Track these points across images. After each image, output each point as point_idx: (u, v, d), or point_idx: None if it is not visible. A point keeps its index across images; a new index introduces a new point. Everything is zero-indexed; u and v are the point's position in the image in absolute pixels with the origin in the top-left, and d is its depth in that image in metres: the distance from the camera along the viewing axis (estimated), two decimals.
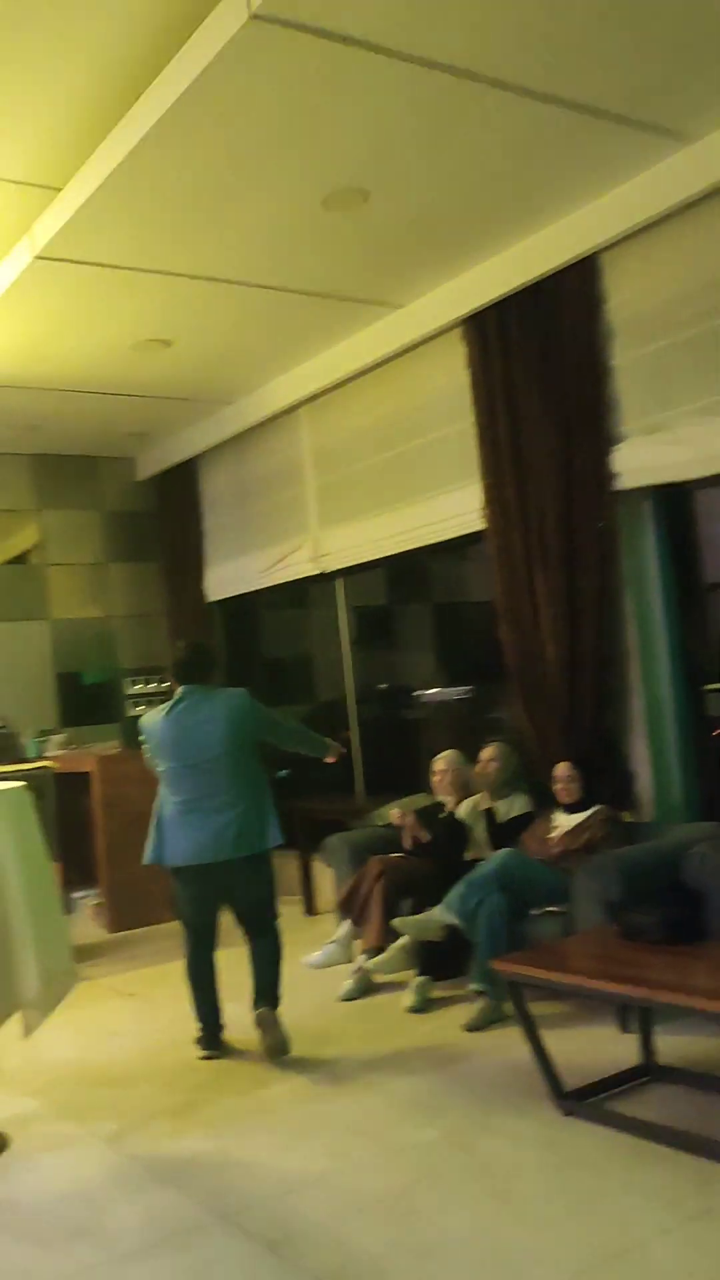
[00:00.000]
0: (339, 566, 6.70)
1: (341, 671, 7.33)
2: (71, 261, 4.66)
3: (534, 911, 4.16)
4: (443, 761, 5.17)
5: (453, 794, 5.11)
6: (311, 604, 9.18)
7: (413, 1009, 4.35)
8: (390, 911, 4.68)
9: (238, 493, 7.53)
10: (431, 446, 5.93)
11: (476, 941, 4.14)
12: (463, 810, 4.88)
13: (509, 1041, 3.71)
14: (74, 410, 6.91)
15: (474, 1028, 4.04)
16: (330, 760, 4.48)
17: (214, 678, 4.22)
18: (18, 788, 3.49)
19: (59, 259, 4.62)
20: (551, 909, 4.14)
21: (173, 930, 6.42)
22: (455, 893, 4.23)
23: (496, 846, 4.62)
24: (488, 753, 4.93)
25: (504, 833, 4.68)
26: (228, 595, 7.76)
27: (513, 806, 4.79)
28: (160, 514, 8.19)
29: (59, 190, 4.32)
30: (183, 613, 7.99)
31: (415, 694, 9.35)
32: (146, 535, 8.23)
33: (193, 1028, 4.26)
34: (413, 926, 4.31)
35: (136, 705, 8.07)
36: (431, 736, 8.13)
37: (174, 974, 5.40)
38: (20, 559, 7.92)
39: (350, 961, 4.82)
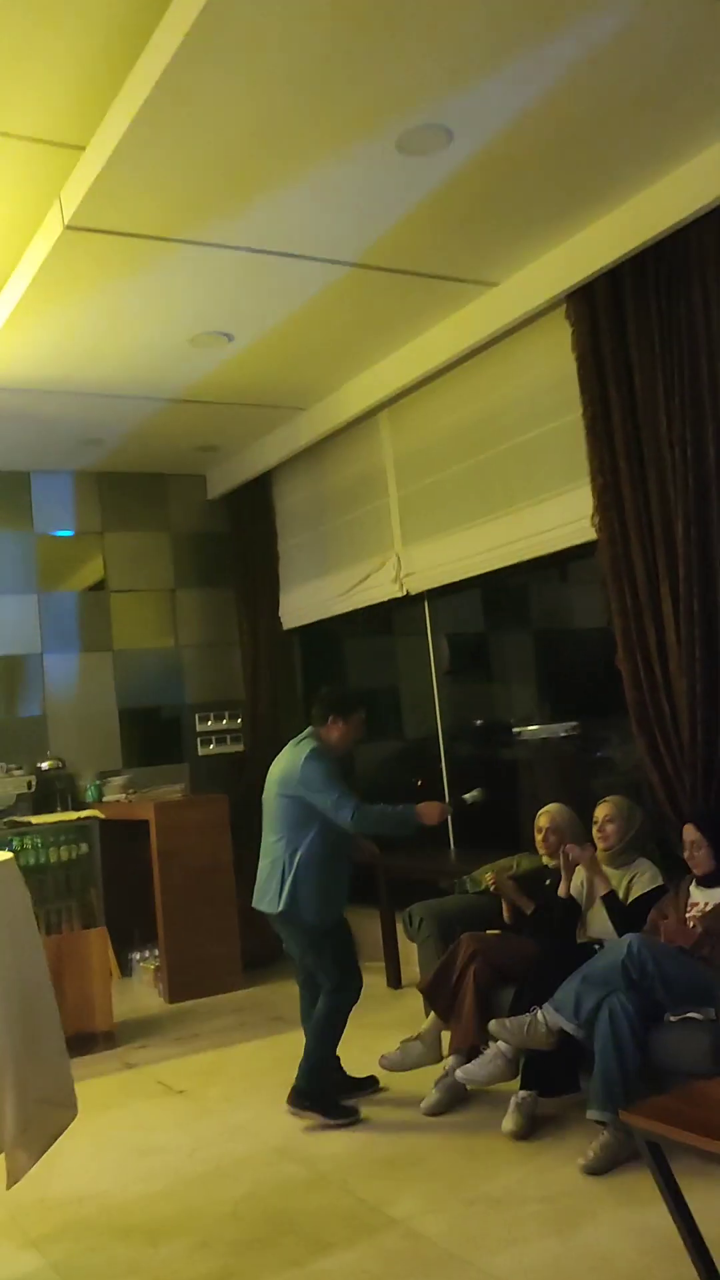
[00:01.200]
0: (425, 587, 5.92)
1: (431, 705, 6.48)
2: (105, 232, 3.99)
3: (671, 1017, 3.26)
4: (547, 817, 4.30)
5: (554, 852, 4.23)
6: (398, 631, 8.39)
7: (514, 1134, 3.48)
8: (485, 1005, 3.82)
9: (314, 509, 6.80)
10: (530, 446, 5.11)
11: (596, 1053, 3.27)
12: (575, 883, 3.99)
13: (643, 1191, 2.81)
14: (137, 419, 6.27)
15: (594, 1170, 3.16)
16: (429, 821, 3.89)
17: (324, 722, 4.14)
18: (4, 861, 2.75)
19: (91, 229, 3.94)
20: (693, 1014, 3.23)
21: (239, 1004, 5.89)
22: (569, 990, 3.36)
23: (620, 929, 3.73)
24: (604, 810, 4.04)
25: (630, 913, 3.78)
26: (306, 622, 7.01)
27: (638, 879, 3.89)
28: (233, 535, 7.51)
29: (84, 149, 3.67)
30: (258, 642, 7.28)
31: (515, 730, 8.48)
32: (218, 558, 7.55)
33: (243, 1146, 3.49)
34: (514, 1032, 3.44)
35: (206, 743, 7.37)
36: (534, 781, 7.25)
37: (235, 1062, 4.67)
38: (97, 587, 7.30)
39: (437, 1062, 3.96)
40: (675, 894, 3.68)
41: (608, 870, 3.95)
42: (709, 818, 3.65)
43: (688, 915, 3.53)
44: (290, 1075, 4.13)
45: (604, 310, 4.44)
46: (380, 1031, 4.39)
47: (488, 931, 4.12)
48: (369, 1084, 4.08)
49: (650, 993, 3.27)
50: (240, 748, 7.42)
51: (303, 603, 6.95)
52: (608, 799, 4.07)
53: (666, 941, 3.44)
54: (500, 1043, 3.58)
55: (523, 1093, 3.55)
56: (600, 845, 3.98)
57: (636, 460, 4.33)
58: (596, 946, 3.73)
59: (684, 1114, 2.30)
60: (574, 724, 8.75)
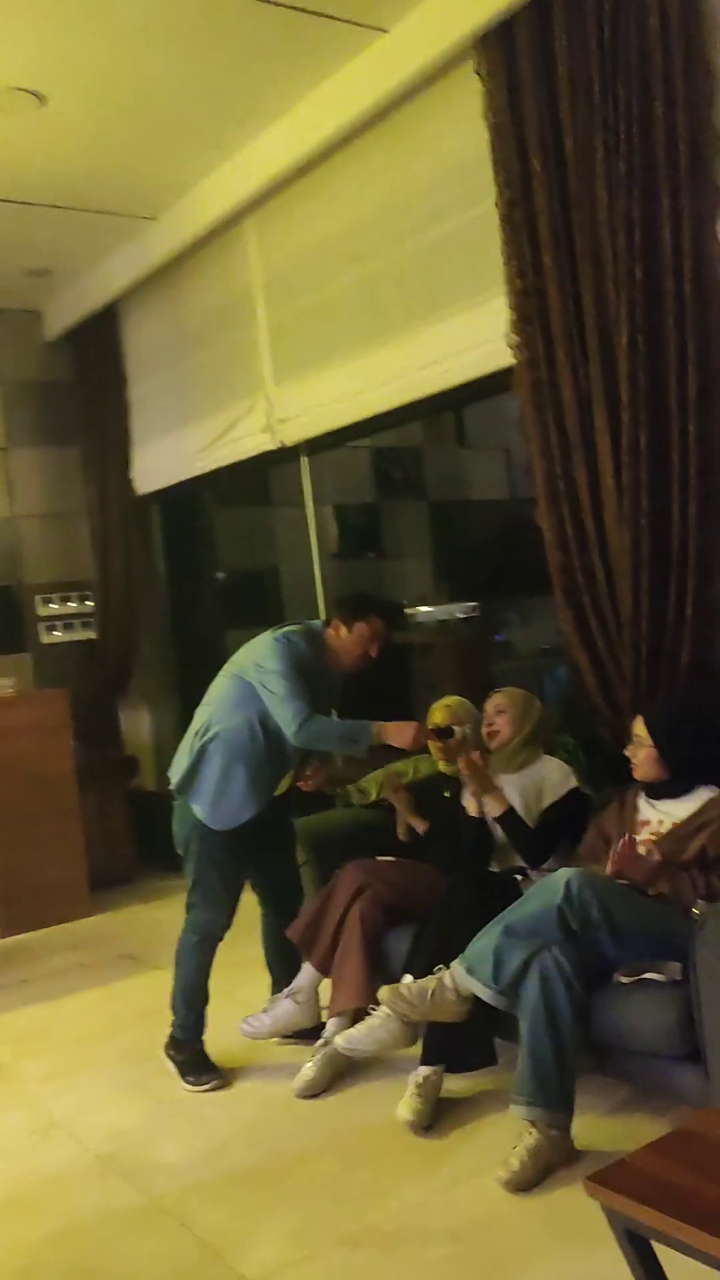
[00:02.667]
0: (303, 436, 4.88)
1: (334, 581, 5.52)
2: None
3: (622, 978, 2.44)
4: (443, 713, 3.41)
5: (453, 758, 3.37)
6: (278, 500, 7.35)
7: (413, 1124, 2.67)
8: (375, 954, 2.98)
9: (171, 346, 5.65)
10: (430, 250, 4.07)
11: (522, 1028, 2.44)
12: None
13: (588, 1220, 2.00)
14: None
15: (521, 1185, 2.36)
16: (399, 743, 3.05)
17: (329, 622, 3.27)
18: None
19: None
20: (651, 974, 2.42)
21: (83, 937, 4.93)
22: (486, 944, 2.51)
23: (531, 856, 2.90)
24: (494, 701, 3.24)
25: (541, 833, 2.95)
26: (164, 485, 5.92)
27: (546, 785, 3.05)
28: (76, 382, 6.31)
29: None
30: (108, 511, 6.16)
31: (408, 612, 7.59)
32: (59, 411, 6.34)
33: (58, 1154, 2.62)
34: (413, 1003, 2.58)
35: (51, 630, 6.30)
36: (430, 669, 6.39)
37: (68, 1020, 3.77)
38: None
39: (314, 1026, 3.12)
40: (620, 809, 2.85)
41: (503, 777, 3.09)
42: (664, 715, 2.80)
43: (638, 839, 2.69)
44: (139, 1033, 3.32)
45: (526, 55, 3.38)
46: (249, 986, 3.53)
47: (379, 858, 3.25)
48: (206, 1072, 3.18)
49: (594, 945, 2.44)
50: (93, 634, 6.36)
51: (159, 461, 5.84)
52: (499, 689, 3.21)
53: (614, 875, 2.60)
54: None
55: (424, 1069, 2.73)
56: (492, 744, 3.12)
57: (566, 254, 3.35)
58: (518, 877, 2.89)
59: (679, 1188, 1.45)
60: (473, 605, 7.93)
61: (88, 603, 6.36)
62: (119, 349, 5.99)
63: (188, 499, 6.27)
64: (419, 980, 2.60)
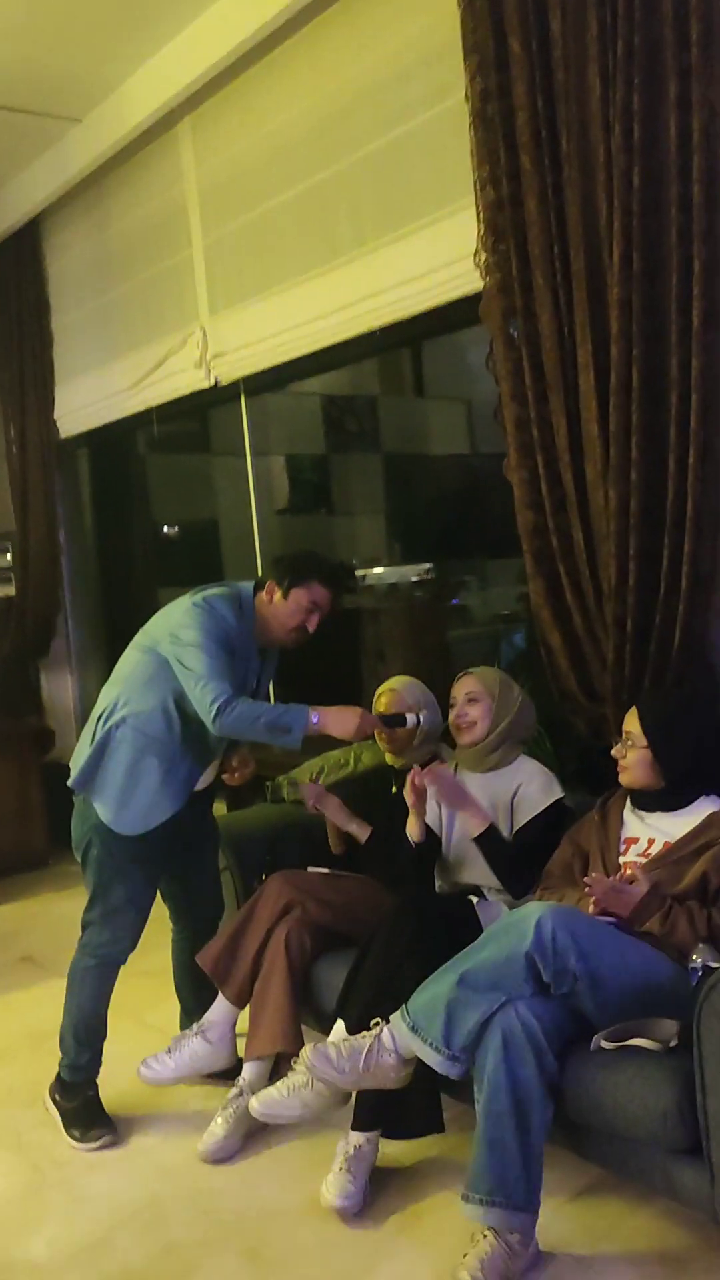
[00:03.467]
0: (240, 373, 4.31)
1: (281, 538, 4.98)
2: None
3: (605, 1043, 1.96)
4: (390, 697, 2.90)
5: (409, 753, 2.87)
6: (218, 449, 6.77)
7: (341, 1209, 2.19)
8: (302, 984, 2.49)
9: (98, 269, 5.03)
10: (388, 156, 3.51)
11: (479, 1106, 1.96)
12: (430, 815, 2.64)
13: None
14: None
15: None
16: (342, 733, 2.53)
17: (263, 585, 2.72)
18: None
19: None
20: (640, 1041, 1.94)
21: None
22: (435, 995, 2.02)
23: (510, 880, 2.42)
24: (466, 685, 2.69)
25: (521, 855, 2.46)
26: (90, 427, 5.32)
27: (524, 794, 2.56)
28: None
29: None
30: (27, 454, 5.55)
31: (358, 574, 7.06)
32: None
33: None
34: (344, 1069, 2.08)
35: None
36: (380, 637, 5.90)
37: None
38: None
39: (227, 1069, 2.63)
40: (601, 821, 2.37)
41: (469, 777, 2.60)
42: (662, 710, 2.31)
43: (623, 860, 2.22)
44: (26, 1065, 2.96)
45: None
46: (159, 988, 3.03)
47: (311, 869, 2.75)
48: (96, 1125, 2.65)
49: (570, 1001, 1.97)
50: (10, 591, 5.77)
51: (85, 400, 5.23)
52: (471, 671, 2.70)
53: (597, 909, 2.12)
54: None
55: (356, 1136, 2.26)
56: (462, 739, 2.62)
57: (549, 156, 2.81)
58: (473, 899, 2.41)
59: None
60: (428, 567, 7.43)
61: (5, 556, 5.76)
62: (41, 274, 5.36)
63: (119, 443, 5.68)
64: (350, 1039, 2.11)
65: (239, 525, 6.73)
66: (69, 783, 2.63)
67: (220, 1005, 2.61)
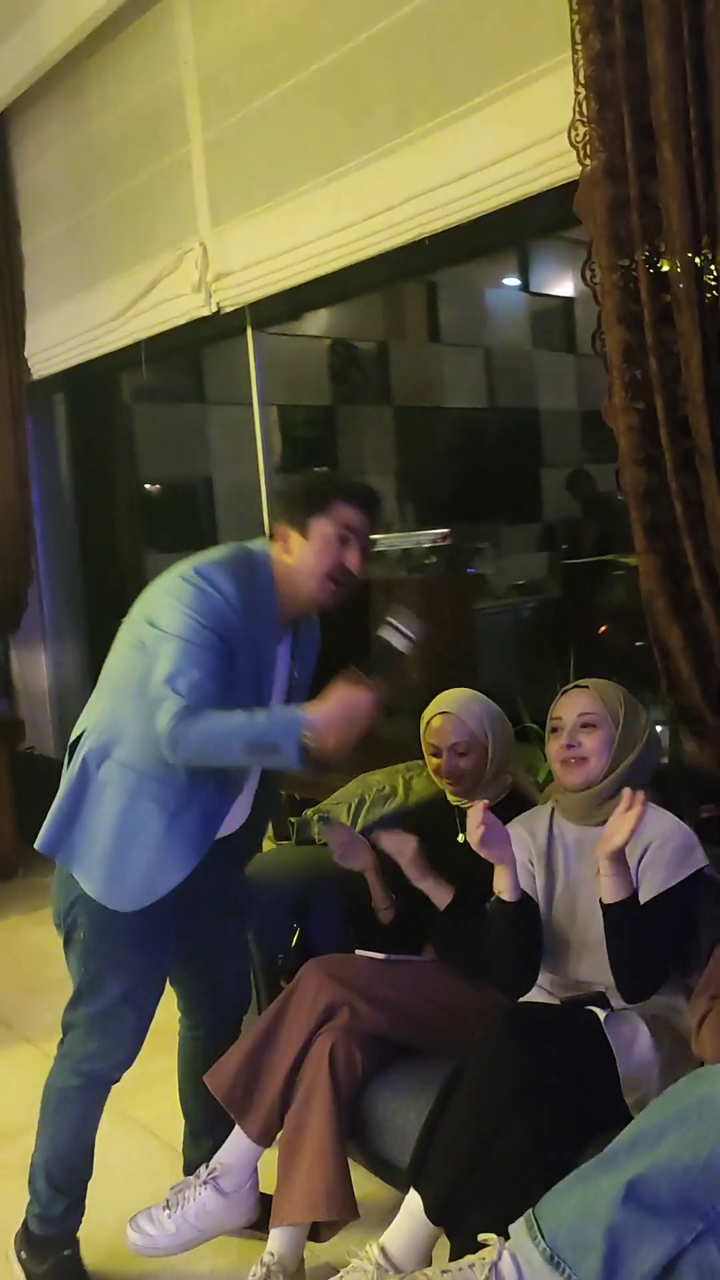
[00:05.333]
0: (249, 298, 3.57)
1: (258, 502, 4.25)
2: None
3: None
4: (446, 722, 2.19)
5: (479, 791, 2.16)
6: (213, 398, 6.02)
7: None
8: (351, 1122, 1.80)
9: (75, 176, 4.25)
10: (441, 6, 2.75)
11: None
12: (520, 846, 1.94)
13: None
14: None
15: None
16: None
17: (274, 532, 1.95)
18: None
19: None
20: None
21: None
22: (589, 1203, 1.34)
23: (648, 979, 1.74)
24: (580, 701, 1.96)
25: (666, 938, 1.77)
26: (65, 366, 4.56)
27: (654, 855, 1.85)
28: None
29: None
30: None
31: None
32: None
33: None
34: None
35: None
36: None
37: None
38: None
39: (247, 1226, 1.96)
40: None
41: (568, 829, 1.91)
42: None
43: None
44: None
45: None
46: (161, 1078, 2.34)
47: (360, 953, 2.04)
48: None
49: None
50: None
51: (61, 335, 4.47)
52: (585, 684, 1.97)
53: None
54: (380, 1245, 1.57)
55: None
56: (570, 778, 1.92)
57: None
58: (597, 1011, 1.72)
59: None
60: (444, 532, 6.71)
61: None
62: (9, 185, 4.58)
63: (100, 388, 4.93)
64: (451, 1270, 1.42)
65: (235, 482, 6.02)
66: (36, 845, 1.91)
67: (238, 1143, 1.92)
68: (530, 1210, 1.38)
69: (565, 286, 7.61)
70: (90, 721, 1.90)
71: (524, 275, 7.34)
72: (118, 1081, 1.97)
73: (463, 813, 2.17)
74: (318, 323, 6.10)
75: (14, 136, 4.49)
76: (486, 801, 1.86)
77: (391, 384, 6.86)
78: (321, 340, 6.40)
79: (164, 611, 1.79)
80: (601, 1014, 1.69)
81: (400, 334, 6.93)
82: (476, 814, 1.80)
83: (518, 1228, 1.37)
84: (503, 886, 1.83)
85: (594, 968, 1.82)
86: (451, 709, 2.17)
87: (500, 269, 7.15)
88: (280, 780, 2.15)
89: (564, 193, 2.43)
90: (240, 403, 5.83)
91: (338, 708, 1.70)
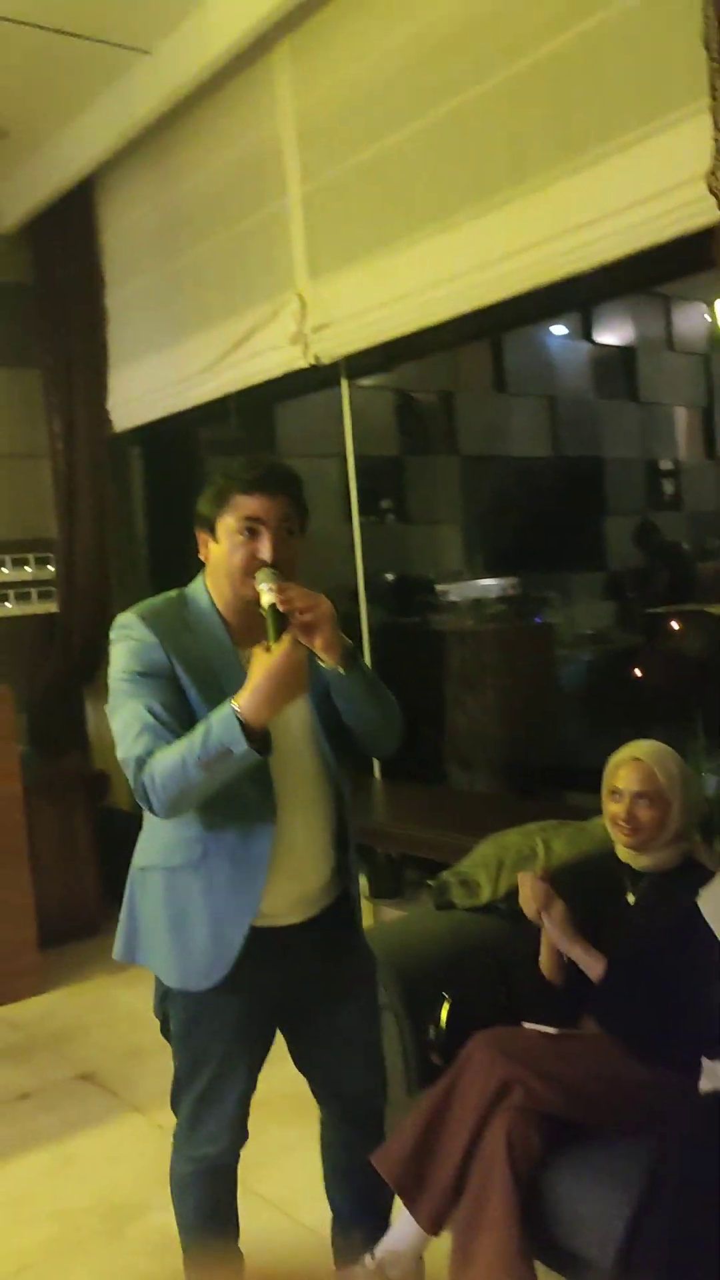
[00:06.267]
0: (346, 352, 3.55)
1: (342, 548, 4.20)
2: None
3: None
4: (636, 770, 2.10)
5: (656, 849, 2.08)
6: (287, 448, 6.02)
7: None
8: (532, 1207, 1.70)
9: (163, 232, 4.28)
10: (563, 61, 2.73)
11: None
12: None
13: None
14: None
15: None
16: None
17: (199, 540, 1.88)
18: None
19: None
20: None
21: (25, 1039, 3.31)
22: None
23: None
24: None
25: None
26: (149, 419, 4.56)
27: None
28: (36, 285, 4.90)
29: None
30: (74, 451, 4.79)
31: (437, 589, 6.27)
32: (13, 322, 4.94)
33: None
34: None
35: (2, 599, 4.95)
36: (466, 668, 5.09)
37: None
38: None
39: None
40: None
41: None
42: None
43: None
44: (103, 1256, 2.17)
45: None
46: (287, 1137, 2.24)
47: (527, 1026, 1.95)
48: None
49: None
50: (52, 607, 5.02)
51: (144, 388, 4.48)
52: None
53: None
54: None
55: None
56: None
57: None
58: None
59: None
60: (512, 580, 6.66)
61: (48, 567, 5.01)
62: (94, 241, 4.62)
63: (177, 440, 4.94)
64: None
65: (310, 532, 6.00)
66: (114, 954, 1.91)
67: (406, 1229, 1.82)
68: None
69: (626, 336, 7.61)
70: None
71: (586, 325, 7.35)
72: (234, 1163, 1.88)
73: (634, 871, 2.08)
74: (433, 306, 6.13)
75: (101, 194, 4.54)
76: None
77: (458, 434, 6.84)
78: (387, 391, 6.40)
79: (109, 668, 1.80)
80: None
81: (466, 383, 6.93)
82: None
83: None
84: None
85: None
86: (644, 756, 2.09)
87: (561, 319, 7.16)
88: (356, 845, 2.04)
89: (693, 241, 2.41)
90: (313, 454, 5.88)
91: (263, 680, 1.64)
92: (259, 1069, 1.87)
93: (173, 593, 1.87)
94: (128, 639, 1.76)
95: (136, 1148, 2.71)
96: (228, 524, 1.76)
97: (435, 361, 6.40)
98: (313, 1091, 1.98)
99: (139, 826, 1.92)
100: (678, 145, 2.43)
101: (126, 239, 4.47)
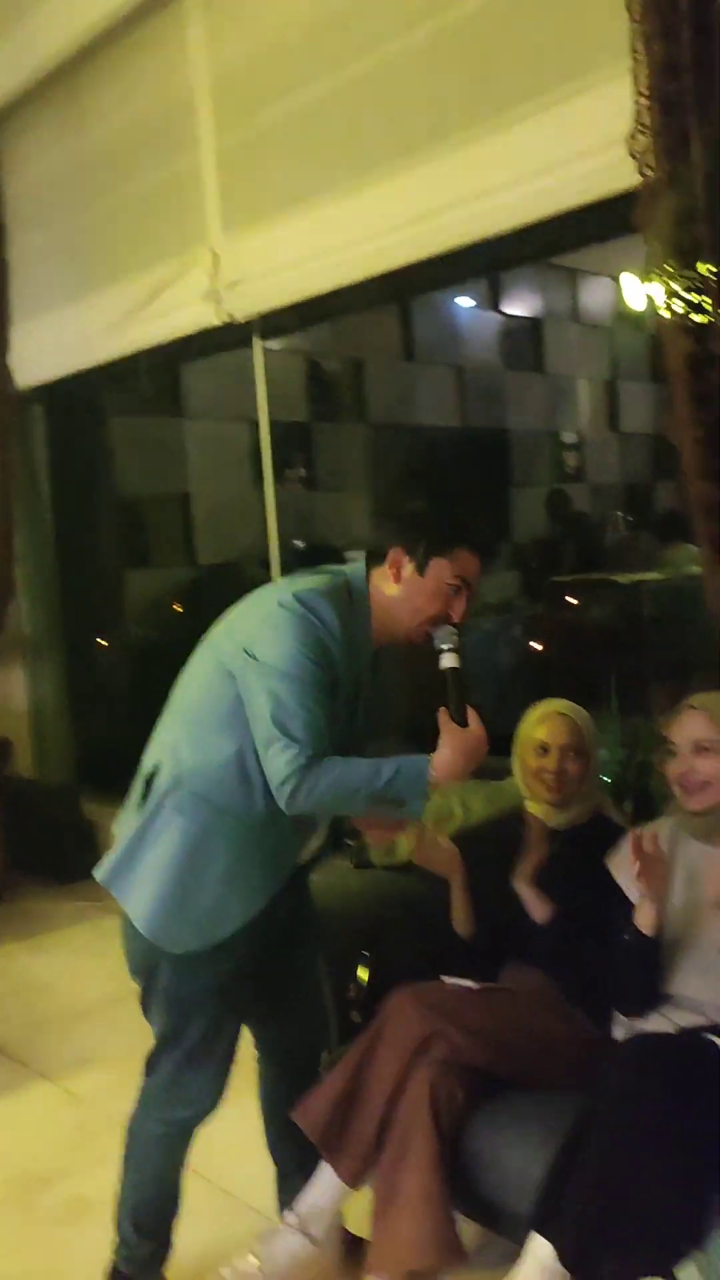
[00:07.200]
0: (260, 310, 3.49)
1: (260, 514, 4.14)
2: None
3: None
4: (557, 726, 2.12)
5: (574, 804, 2.11)
6: (194, 412, 5.92)
7: None
8: (453, 1161, 1.72)
9: (70, 182, 4.15)
10: (486, 15, 2.71)
11: None
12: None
13: None
14: None
15: None
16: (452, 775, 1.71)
17: (382, 557, 1.83)
18: None
19: None
20: None
21: None
22: None
23: None
24: (694, 730, 1.85)
25: None
26: (55, 376, 4.43)
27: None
28: None
29: None
30: None
31: (349, 557, 6.24)
32: None
33: None
34: None
35: None
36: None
37: None
38: None
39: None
40: None
41: (695, 848, 1.86)
42: None
43: None
44: (21, 1229, 2.17)
45: None
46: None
47: (447, 979, 1.96)
48: None
49: None
50: None
51: (48, 343, 4.34)
52: (698, 704, 1.90)
53: None
54: None
55: None
56: (690, 805, 1.85)
57: None
58: (717, 1040, 1.66)
59: None
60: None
61: None
62: None
63: (83, 400, 4.80)
64: None
65: (213, 497, 5.91)
66: (96, 874, 1.81)
67: (328, 1184, 1.82)
68: (700, 1255, 1.31)
69: (534, 308, 7.65)
70: (163, 754, 1.79)
71: (495, 296, 7.36)
72: (201, 1124, 1.86)
73: (561, 831, 2.10)
74: (292, 337, 6.04)
75: (5, 138, 4.37)
76: (653, 833, 1.80)
77: (367, 401, 6.79)
78: (299, 355, 6.33)
79: (264, 642, 1.69)
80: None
81: (375, 351, 6.89)
82: (650, 842, 1.75)
83: (689, 1275, 1.30)
84: (646, 922, 1.78)
85: (706, 987, 1.76)
86: (567, 711, 2.12)
87: (469, 288, 7.17)
88: None
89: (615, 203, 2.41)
90: (222, 418, 5.78)
91: (459, 754, 1.67)
92: (240, 1031, 1.86)
93: (340, 578, 1.79)
94: (317, 621, 1.69)
95: (48, 1117, 2.67)
96: (441, 570, 1.75)
97: (345, 328, 6.35)
98: (260, 1047, 1.99)
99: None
100: (599, 107, 2.43)
101: (31, 187, 4.32)
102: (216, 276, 3.51)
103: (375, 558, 1.83)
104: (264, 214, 3.36)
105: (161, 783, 1.75)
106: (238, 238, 3.46)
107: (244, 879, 1.75)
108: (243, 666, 1.71)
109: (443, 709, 1.70)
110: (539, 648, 5.42)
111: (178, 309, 3.67)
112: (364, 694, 1.86)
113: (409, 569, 1.77)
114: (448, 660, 1.73)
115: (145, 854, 1.74)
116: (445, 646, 1.72)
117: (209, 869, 1.73)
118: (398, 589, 1.78)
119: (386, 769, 1.65)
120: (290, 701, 1.65)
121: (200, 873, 1.72)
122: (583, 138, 2.48)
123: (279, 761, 1.63)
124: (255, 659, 1.69)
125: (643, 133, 2.27)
